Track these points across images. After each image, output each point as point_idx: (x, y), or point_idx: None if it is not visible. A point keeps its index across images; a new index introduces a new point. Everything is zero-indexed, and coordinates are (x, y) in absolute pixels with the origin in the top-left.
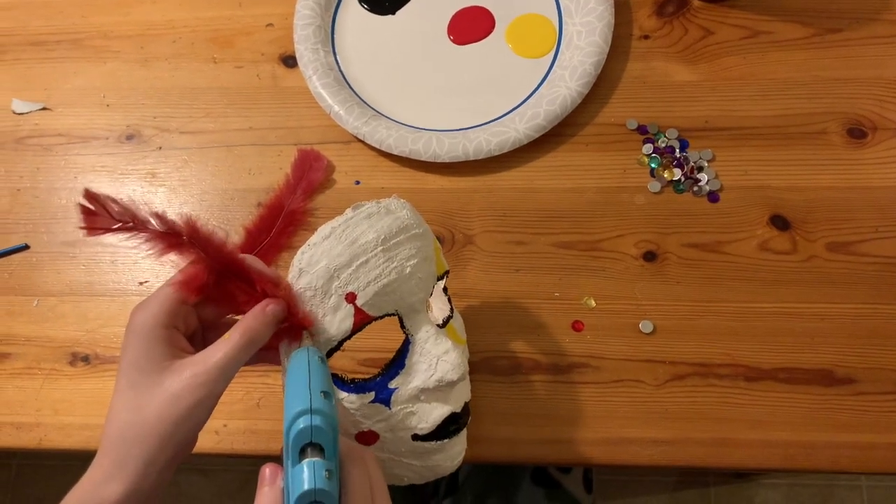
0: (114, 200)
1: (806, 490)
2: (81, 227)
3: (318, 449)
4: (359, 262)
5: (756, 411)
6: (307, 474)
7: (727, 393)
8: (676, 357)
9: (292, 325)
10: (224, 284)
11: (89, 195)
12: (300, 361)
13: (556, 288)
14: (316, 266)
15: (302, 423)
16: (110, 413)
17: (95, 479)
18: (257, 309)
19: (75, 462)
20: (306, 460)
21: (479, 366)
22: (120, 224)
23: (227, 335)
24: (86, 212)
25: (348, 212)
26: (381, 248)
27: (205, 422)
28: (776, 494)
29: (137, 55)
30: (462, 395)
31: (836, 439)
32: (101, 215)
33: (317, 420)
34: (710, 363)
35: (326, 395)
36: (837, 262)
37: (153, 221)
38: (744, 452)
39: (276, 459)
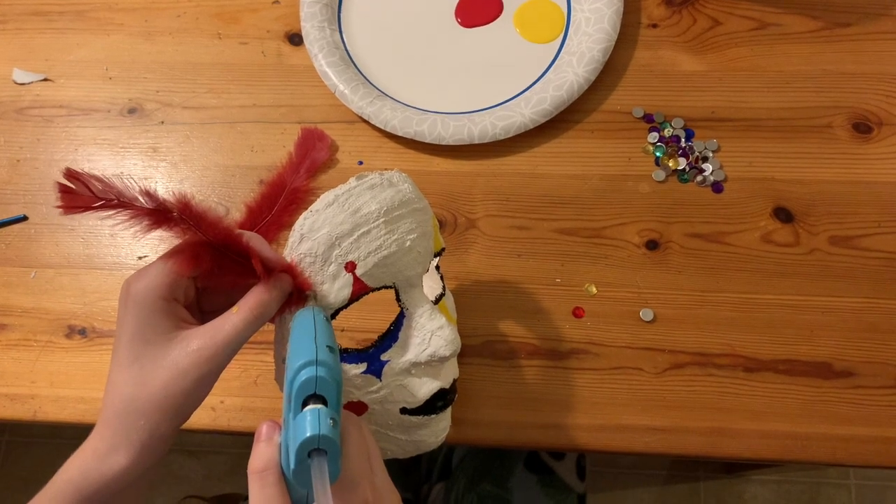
0: (98, 179)
1: (795, 487)
2: (58, 206)
3: (321, 401)
4: (360, 232)
5: (754, 402)
6: (311, 420)
7: (725, 383)
8: (676, 346)
9: (293, 291)
10: (222, 258)
11: (70, 173)
12: (306, 318)
13: (557, 274)
14: (318, 233)
15: (306, 374)
16: (112, 384)
17: (98, 449)
18: (268, 283)
19: (64, 440)
20: (309, 408)
21: (478, 349)
22: (102, 202)
23: (234, 308)
24: (64, 190)
25: (352, 181)
26: (382, 219)
27: (207, 394)
28: (765, 491)
29: (141, 28)
30: (451, 371)
31: (834, 432)
32: (82, 193)
33: (321, 371)
34: (710, 353)
35: (331, 349)
36: (839, 255)
37: (141, 199)
38: (740, 443)
39: None
